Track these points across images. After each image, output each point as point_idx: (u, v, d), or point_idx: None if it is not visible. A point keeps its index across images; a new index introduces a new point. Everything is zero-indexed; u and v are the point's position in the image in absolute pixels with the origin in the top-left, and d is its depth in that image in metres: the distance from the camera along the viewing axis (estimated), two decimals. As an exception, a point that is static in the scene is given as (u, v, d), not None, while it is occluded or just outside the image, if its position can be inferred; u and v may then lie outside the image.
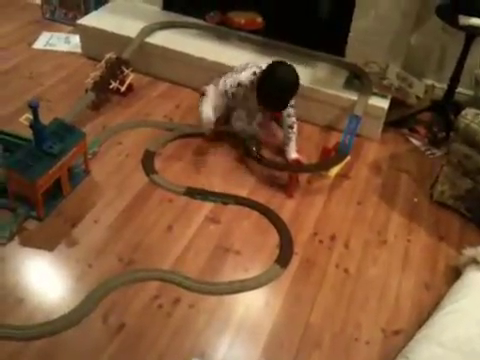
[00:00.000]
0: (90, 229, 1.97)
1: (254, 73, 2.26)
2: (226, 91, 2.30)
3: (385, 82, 2.58)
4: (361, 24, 2.67)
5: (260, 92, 2.22)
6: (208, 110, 2.24)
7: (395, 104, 2.59)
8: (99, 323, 1.64)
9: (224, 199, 2.15)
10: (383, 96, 2.55)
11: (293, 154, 2.32)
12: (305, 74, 2.65)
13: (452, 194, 2.17)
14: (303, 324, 1.70)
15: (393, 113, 2.60)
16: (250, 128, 2.40)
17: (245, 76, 2.27)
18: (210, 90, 2.32)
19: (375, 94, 2.54)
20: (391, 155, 2.50)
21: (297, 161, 2.30)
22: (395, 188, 2.31)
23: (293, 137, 2.34)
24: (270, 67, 2.22)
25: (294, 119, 2.33)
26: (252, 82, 2.25)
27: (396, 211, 2.18)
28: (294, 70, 2.21)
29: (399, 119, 2.67)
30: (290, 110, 2.31)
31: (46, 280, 1.79)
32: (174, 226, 2.01)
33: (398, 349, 1.62)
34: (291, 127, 2.33)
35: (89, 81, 2.57)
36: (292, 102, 2.28)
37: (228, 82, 2.31)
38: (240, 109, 2.40)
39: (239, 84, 2.27)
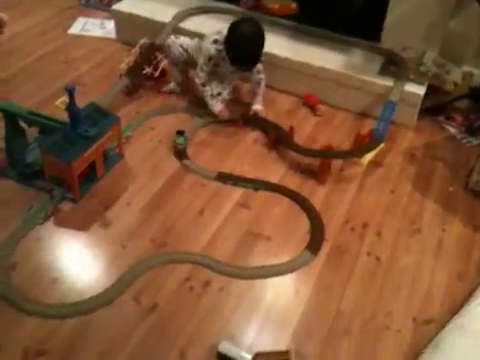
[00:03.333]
0: (123, 211, 2.00)
1: (215, 41, 2.34)
2: (206, 72, 2.39)
3: (422, 68, 2.52)
4: (398, 9, 2.61)
5: (233, 53, 2.28)
6: (218, 106, 2.42)
7: (431, 91, 2.53)
8: (132, 303, 1.67)
9: (255, 185, 2.15)
10: (419, 83, 2.49)
11: (256, 105, 2.47)
12: (339, 60, 2.62)
13: (489, 184, 2.12)
14: (333, 311, 1.70)
15: (429, 100, 2.54)
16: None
17: (210, 49, 2.35)
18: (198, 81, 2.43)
19: (411, 80, 2.49)
20: (426, 143, 2.46)
21: (256, 113, 2.46)
22: (430, 177, 2.27)
23: (260, 92, 2.49)
24: (235, 27, 2.28)
25: (262, 75, 2.45)
26: (219, 51, 2.33)
27: (430, 200, 2.14)
28: (257, 23, 2.29)
29: (435, 106, 2.60)
30: (259, 66, 2.42)
31: (80, 261, 1.83)
32: (205, 211, 2.02)
33: (429, 338, 1.60)
34: (259, 83, 2.47)
35: (123, 66, 2.59)
36: (262, 57, 2.36)
37: (199, 68, 2.39)
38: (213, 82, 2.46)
39: (210, 58, 2.35)
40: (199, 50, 2.44)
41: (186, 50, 2.49)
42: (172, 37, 2.54)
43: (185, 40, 2.52)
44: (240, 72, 2.47)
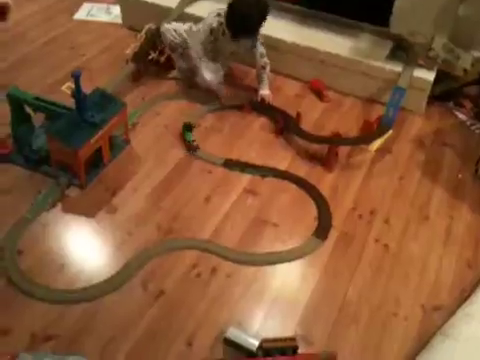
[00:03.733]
0: (130, 198, 1.99)
1: (218, 14, 2.39)
2: (203, 44, 2.41)
3: (431, 54, 2.49)
4: (407, -7, 2.57)
5: (231, 22, 2.31)
6: (209, 75, 2.42)
7: (441, 77, 2.49)
8: (139, 289, 1.67)
9: (262, 172, 2.14)
10: (428, 68, 2.46)
11: (263, 90, 2.47)
12: (347, 45, 2.59)
13: (499, 171, 2.10)
14: (340, 298, 1.69)
15: (438, 86, 2.51)
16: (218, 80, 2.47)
17: (212, 21, 2.38)
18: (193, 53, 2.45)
19: (420, 66, 2.46)
20: (435, 129, 2.43)
21: (263, 99, 2.45)
22: (439, 163, 2.25)
23: (265, 77, 2.48)
24: None
25: (266, 60, 2.45)
26: (220, 23, 2.36)
27: (439, 187, 2.13)
28: None
29: (444, 92, 2.58)
30: (262, 50, 2.42)
31: (87, 247, 1.83)
32: (212, 197, 2.01)
33: (437, 326, 1.60)
34: (264, 68, 2.47)
35: (129, 52, 2.57)
36: (261, 39, 2.41)
37: (199, 40, 2.40)
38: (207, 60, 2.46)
39: (211, 31, 2.38)
40: (193, 34, 2.46)
41: (180, 34, 2.50)
42: (165, 23, 2.54)
43: (178, 25, 2.53)
44: (237, 51, 2.47)
